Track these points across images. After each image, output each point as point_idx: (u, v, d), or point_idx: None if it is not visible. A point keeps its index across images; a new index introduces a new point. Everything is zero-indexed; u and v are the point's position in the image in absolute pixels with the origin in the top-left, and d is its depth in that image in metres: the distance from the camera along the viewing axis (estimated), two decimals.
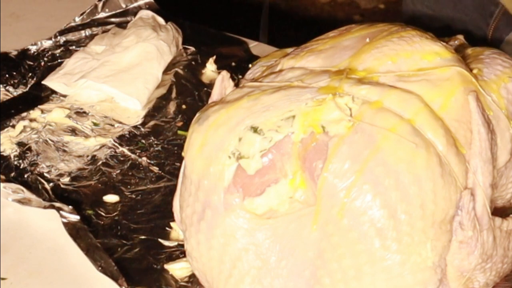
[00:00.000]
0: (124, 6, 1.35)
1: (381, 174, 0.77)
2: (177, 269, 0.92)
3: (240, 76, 1.16)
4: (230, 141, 0.81)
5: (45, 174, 1.06)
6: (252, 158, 0.80)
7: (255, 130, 0.81)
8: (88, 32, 1.31)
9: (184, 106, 1.18)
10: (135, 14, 1.32)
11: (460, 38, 0.98)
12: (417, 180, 0.77)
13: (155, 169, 1.07)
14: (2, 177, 1.03)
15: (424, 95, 0.81)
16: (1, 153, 1.09)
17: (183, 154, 0.86)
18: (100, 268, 0.90)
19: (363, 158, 0.77)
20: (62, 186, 1.04)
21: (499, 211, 0.84)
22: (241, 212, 0.80)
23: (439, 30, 0.97)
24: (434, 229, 0.78)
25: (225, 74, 0.92)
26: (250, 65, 1.00)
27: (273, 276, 0.80)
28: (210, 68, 1.25)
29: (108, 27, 1.32)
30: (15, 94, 1.20)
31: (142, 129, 1.14)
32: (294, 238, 0.80)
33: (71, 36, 1.31)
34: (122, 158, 1.09)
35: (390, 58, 0.85)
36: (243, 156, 0.81)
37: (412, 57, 0.84)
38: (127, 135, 1.13)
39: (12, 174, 1.06)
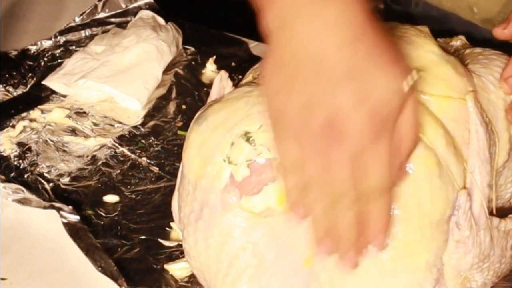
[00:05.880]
0: (124, 6, 1.34)
1: None
2: (177, 269, 0.92)
3: (240, 76, 1.16)
4: (225, 144, 0.81)
5: (45, 174, 1.06)
6: (239, 165, 0.80)
7: (248, 138, 0.81)
8: (88, 32, 1.31)
9: (184, 106, 1.18)
10: (135, 14, 1.32)
11: (462, 38, 0.98)
12: (414, 180, 0.77)
13: (155, 169, 1.07)
14: (2, 177, 1.04)
15: (422, 94, 0.81)
16: (1, 153, 1.09)
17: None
18: (100, 268, 0.90)
19: None
20: (62, 186, 1.04)
21: (498, 211, 0.84)
22: (238, 210, 0.80)
23: (441, 30, 0.98)
24: (430, 229, 0.78)
25: (223, 73, 0.92)
26: None
27: (270, 274, 0.80)
28: (210, 68, 1.25)
29: (108, 27, 1.31)
30: (15, 94, 1.20)
31: (142, 129, 1.14)
32: (291, 236, 0.80)
33: (71, 36, 1.31)
34: (122, 158, 1.09)
35: None
36: (232, 162, 0.81)
37: (409, 56, 0.84)
38: (127, 135, 1.13)
39: (12, 174, 1.06)
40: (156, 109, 1.17)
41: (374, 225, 0.73)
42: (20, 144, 1.11)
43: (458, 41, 0.97)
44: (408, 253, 0.78)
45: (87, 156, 1.09)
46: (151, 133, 1.13)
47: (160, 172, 1.06)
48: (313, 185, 0.72)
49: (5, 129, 1.13)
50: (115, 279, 0.89)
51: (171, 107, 1.18)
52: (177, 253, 0.94)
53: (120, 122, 1.15)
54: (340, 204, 0.72)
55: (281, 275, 0.80)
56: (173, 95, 1.20)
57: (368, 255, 0.77)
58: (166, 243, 0.96)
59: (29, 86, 1.21)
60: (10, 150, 1.10)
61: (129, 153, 1.10)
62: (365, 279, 0.78)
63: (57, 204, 0.97)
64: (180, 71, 1.24)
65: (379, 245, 0.75)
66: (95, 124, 1.15)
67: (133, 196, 1.03)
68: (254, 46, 1.29)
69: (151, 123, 1.15)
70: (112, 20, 1.33)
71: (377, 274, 0.78)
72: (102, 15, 1.33)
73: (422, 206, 0.77)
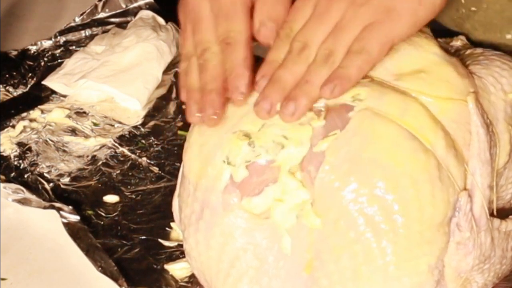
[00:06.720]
0: (124, 6, 1.35)
1: (379, 177, 0.77)
2: (177, 269, 0.92)
3: None
4: (225, 144, 0.81)
5: (45, 174, 1.06)
6: (238, 167, 0.80)
7: (247, 139, 0.81)
8: (88, 32, 1.32)
9: (184, 106, 1.17)
10: (135, 14, 1.32)
11: (462, 38, 0.98)
12: (415, 183, 0.77)
13: (155, 169, 1.07)
14: (2, 177, 1.04)
15: (422, 96, 0.81)
16: (1, 153, 1.09)
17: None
18: (100, 268, 0.90)
19: (361, 161, 0.77)
20: (62, 186, 1.04)
21: (498, 212, 0.84)
22: (239, 211, 0.80)
23: (442, 30, 0.97)
24: (431, 232, 0.78)
25: None
26: None
27: (271, 277, 0.80)
28: None
29: (108, 27, 1.32)
30: (15, 94, 1.20)
31: (142, 129, 1.14)
32: (292, 238, 0.80)
33: (71, 36, 1.31)
34: (122, 158, 1.09)
35: (388, 57, 0.84)
36: (230, 163, 0.81)
37: (410, 56, 0.84)
38: (127, 135, 1.13)
39: (12, 174, 1.06)
40: (156, 109, 1.17)
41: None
42: (20, 144, 1.11)
43: (458, 41, 0.97)
44: (410, 257, 0.77)
45: (87, 156, 1.09)
46: (151, 133, 1.13)
47: (160, 172, 1.06)
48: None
49: (5, 129, 1.13)
50: (115, 279, 0.89)
51: (171, 107, 1.18)
52: (177, 253, 0.94)
53: (120, 122, 1.15)
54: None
55: (282, 278, 0.80)
56: (173, 95, 1.20)
57: (371, 263, 0.77)
58: (166, 243, 0.96)
59: (29, 86, 1.22)
60: (10, 150, 1.10)
61: (129, 153, 1.10)
62: (367, 284, 0.78)
63: (57, 204, 0.97)
64: None
65: (328, 93, 0.75)
66: (95, 124, 1.15)
67: (133, 196, 1.03)
68: (254, 46, 1.29)
69: (151, 123, 1.15)
70: (112, 20, 1.33)
71: (380, 279, 0.77)
72: (102, 15, 1.33)
73: (424, 209, 0.77)
